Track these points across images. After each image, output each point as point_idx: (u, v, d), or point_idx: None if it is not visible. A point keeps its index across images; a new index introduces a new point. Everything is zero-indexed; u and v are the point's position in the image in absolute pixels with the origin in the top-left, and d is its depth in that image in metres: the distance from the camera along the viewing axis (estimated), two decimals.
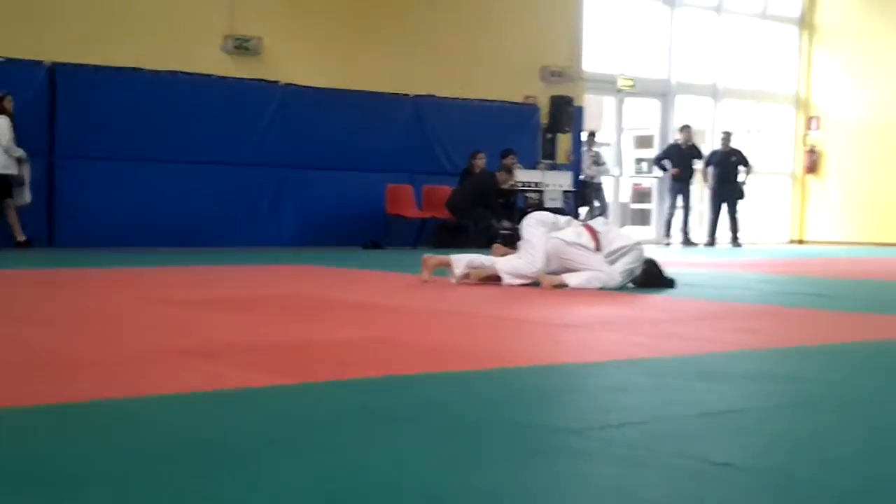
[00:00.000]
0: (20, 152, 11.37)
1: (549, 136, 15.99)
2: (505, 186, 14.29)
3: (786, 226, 19.77)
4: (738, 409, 3.10)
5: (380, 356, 4.05)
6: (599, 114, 19.03)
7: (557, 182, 15.27)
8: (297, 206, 13.61)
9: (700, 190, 18.16)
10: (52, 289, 7.04)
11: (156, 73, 12.62)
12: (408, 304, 6.18)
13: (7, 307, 5.64)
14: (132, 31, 12.52)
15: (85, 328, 4.78)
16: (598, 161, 16.85)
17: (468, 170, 14.47)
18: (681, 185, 16.91)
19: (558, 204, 15.12)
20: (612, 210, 17.75)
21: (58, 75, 12.03)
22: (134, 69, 12.48)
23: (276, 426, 2.75)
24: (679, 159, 16.86)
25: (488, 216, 13.81)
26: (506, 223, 14.68)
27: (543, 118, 15.87)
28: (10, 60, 11.74)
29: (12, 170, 11.34)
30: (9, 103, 11.42)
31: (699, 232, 17.89)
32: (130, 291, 6.76)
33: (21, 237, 11.51)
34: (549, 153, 15.99)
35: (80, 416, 2.81)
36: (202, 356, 3.87)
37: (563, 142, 16.20)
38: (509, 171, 14.29)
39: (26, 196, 11.51)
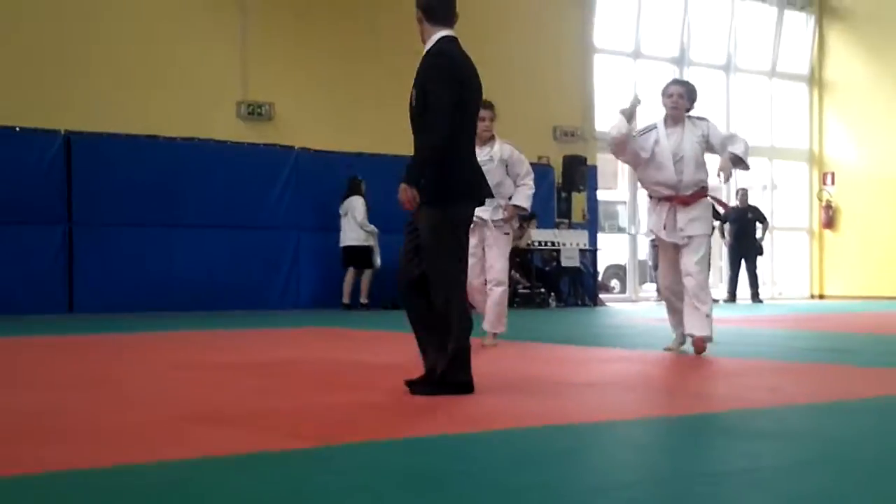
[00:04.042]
0: (371, 227, 13.12)
1: (563, 195, 16.03)
2: (521, 245, 14.28)
3: (805, 281, 19.68)
4: (752, 469, 3.05)
5: (394, 418, 4.02)
6: (614, 172, 19.09)
7: (573, 240, 15.27)
8: (316, 268, 13.62)
9: (718, 247, 18.10)
10: (71, 355, 7.04)
11: (171, 140, 12.73)
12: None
13: (27, 374, 5.64)
14: (147, 98, 12.64)
15: (104, 393, 4.77)
16: None
17: None
18: None
19: (575, 262, 15.14)
20: (630, 268, 17.74)
21: (73, 143, 12.14)
22: (149, 136, 12.60)
23: (293, 491, 2.73)
24: None
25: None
26: (523, 281, 14.70)
27: (557, 178, 15.91)
28: (25, 129, 11.88)
29: (370, 241, 13.18)
30: (364, 186, 13.24)
31: (719, 288, 17.80)
32: (150, 357, 6.76)
33: (365, 300, 13.30)
34: (565, 212, 16.02)
35: (94, 483, 2.79)
36: (216, 421, 3.85)
37: (578, 200, 16.22)
38: (522, 228, 14.27)
39: (377, 261, 13.22)
